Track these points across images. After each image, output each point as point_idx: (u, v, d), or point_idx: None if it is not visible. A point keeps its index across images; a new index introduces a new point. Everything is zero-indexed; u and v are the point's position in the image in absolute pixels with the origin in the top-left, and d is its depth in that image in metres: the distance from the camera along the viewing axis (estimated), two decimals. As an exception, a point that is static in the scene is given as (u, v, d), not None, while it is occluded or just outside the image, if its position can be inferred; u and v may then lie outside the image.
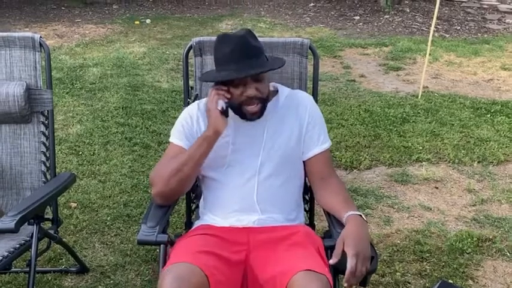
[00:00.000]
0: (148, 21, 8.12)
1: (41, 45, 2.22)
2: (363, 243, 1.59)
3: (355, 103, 4.75)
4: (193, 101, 2.05)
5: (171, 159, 1.81)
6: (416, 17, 8.39)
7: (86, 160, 3.65)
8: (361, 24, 8.07)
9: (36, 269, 2.00)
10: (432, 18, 4.86)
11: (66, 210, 3.05)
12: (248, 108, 1.78)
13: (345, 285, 1.56)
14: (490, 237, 2.85)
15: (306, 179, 1.97)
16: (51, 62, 2.31)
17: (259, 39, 1.85)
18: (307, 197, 2.11)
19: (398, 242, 2.82)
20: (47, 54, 2.22)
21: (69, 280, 2.51)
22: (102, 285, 2.48)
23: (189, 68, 2.15)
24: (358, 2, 9.39)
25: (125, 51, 6.32)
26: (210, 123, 1.77)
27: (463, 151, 3.83)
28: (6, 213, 1.89)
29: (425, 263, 2.64)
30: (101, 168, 3.55)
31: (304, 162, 1.91)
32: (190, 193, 2.13)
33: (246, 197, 1.82)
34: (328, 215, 1.83)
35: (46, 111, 2.26)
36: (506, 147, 3.91)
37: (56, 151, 2.90)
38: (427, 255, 2.70)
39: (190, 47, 2.11)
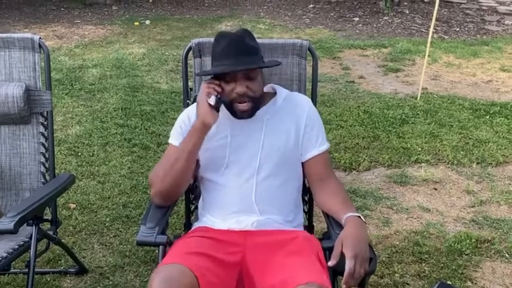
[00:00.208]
0: (147, 22, 8.13)
1: (40, 46, 2.22)
2: (361, 245, 1.59)
3: (354, 104, 4.75)
4: (193, 103, 2.05)
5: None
6: (416, 18, 8.40)
7: (85, 161, 3.66)
8: (360, 25, 8.08)
9: (35, 270, 2.00)
10: (431, 19, 4.86)
11: (65, 211, 3.05)
12: (239, 106, 1.80)
13: (344, 286, 1.55)
14: (489, 238, 2.85)
15: (305, 180, 1.97)
16: (51, 63, 2.31)
17: (258, 40, 1.88)
18: (306, 198, 2.11)
19: (397, 243, 2.82)
20: (46, 55, 2.22)
21: (68, 281, 2.51)
22: (101, 286, 2.48)
23: (189, 69, 2.16)
24: (358, 3, 9.40)
25: (124, 52, 6.33)
26: (198, 115, 1.79)
27: (462, 152, 3.84)
28: (5, 214, 1.88)
29: (424, 264, 2.64)
30: (100, 169, 3.55)
31: (302, 164, 1.91)
32: (190, 194, 2.14)
33: (244, 197, 1.82)
34: (327, 216, 1.83)
35: (45, 112, 2.26)
36: (505, 148, 3.91)
37: (55, 152, 2.90)
38: (426, 256, 2.70)
39: (190, 48, 2.11)
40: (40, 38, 2.24)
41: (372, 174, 3.58)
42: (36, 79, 2.25)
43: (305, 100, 1.96)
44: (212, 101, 1.76)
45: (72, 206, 3.11)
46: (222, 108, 1.83)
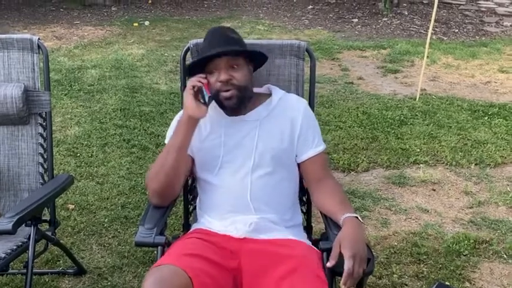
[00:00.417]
0: (147, 23, 8.13)
1: (39, 47, 2.22)
2: (359, 245, 1.59)
3: (353, 105, 4.76)
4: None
5: None
6: (415, 19, 8.41)
7: (84, 162, 3.66)
8: (359, 26, 8.09)
9: (34, 270, 2.00)
10: (430, 20, 4.87)
11: (63, 212, 3.05)
12: (223, 94, 1.81)
13: (343, 287, 1.56)
14: (487, 239, 2.86)
15: (304, 180, 1.97)
16: (50, 64, 2.32)
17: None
18: (304, 199, 2.11)
19: (396, 244, 2.82)
20: (45, 56, 2.22)
21: (67, 282, 2.51)
22: (99, 286, 2.48)
23: (187, 70, 2.16)
24: (357, 4, 9.42)
25: (124, 53, 6.33)
26: (184, 109, 1.80)
27: (460, 153, 3.84)
28: (4, 214, 1.88)
29: (422, 265, 2.65)
30: (98, 170, 3.55)
31: (299, 164, 1.91)
32: (188, 194, 2.14)
33: (239, 197, 1.82)
34: (325, 217, 1.83)
35: (44, 113, 2.27)
36: (503, 149, 3.92)
37: (54, 153, 2.91)
38: (424, 257, 2.70)
39: (188, 49, 2.11)
40: (39, 38, 2.24)
41: (370, 175, 3.59)
42: (35, 80, 2.25)
43: (301, 101, 1.96)
44: (202, 98, 1.77)
45: (71, 206, 3.11)
46: (216, 108, 1.84)
